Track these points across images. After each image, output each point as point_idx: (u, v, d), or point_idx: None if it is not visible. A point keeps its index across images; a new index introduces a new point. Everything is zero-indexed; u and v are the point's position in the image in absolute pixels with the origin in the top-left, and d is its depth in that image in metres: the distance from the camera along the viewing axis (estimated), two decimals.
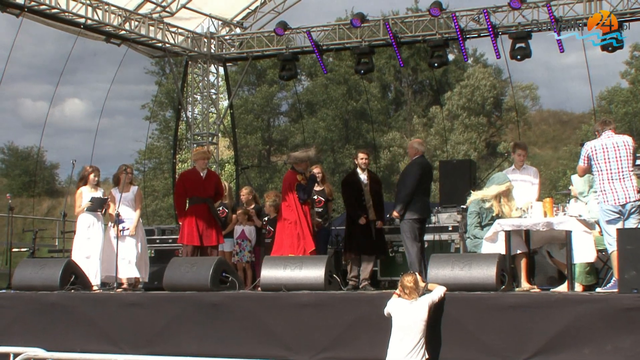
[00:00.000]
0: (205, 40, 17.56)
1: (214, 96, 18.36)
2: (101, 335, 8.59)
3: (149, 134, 31.48)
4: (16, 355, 8.08)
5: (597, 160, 7.91)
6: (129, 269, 10.41)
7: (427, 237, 10.99)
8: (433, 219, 12.33)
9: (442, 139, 32.53)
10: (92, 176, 10.62)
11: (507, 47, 14.97)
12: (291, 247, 9.89)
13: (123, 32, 15.79)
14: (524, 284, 8.42)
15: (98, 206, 10.44)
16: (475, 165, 15.64)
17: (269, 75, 34.76)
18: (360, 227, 10.31)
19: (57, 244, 16.33)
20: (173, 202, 19.08)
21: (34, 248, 12.58)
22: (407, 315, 7.05)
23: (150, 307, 8.60)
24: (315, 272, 8.23)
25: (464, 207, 9.75)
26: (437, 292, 7.28)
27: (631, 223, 7.73)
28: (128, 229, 10.45)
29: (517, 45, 14.69)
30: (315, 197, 11.04)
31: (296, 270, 8.31)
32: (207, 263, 8.72)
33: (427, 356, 7.04)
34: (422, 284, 7.43)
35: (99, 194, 10.58)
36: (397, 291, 7.29)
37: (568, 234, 8.08)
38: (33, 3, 14.03)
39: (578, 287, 8.22)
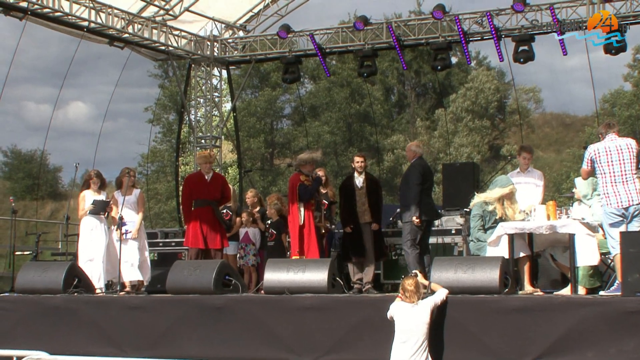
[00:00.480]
0: (209, 43, 17.57)
1: (217, 99, 18.38)
2: (104, 338, 8.59)
3: (152, 137, 31.60)
4: (19, 358, 8.11)
5: (601, 163, 7.90)
6: (132, 272, 10.43)
7: (430, 240, 10.96)
8: (436, 222, 12.28)
9: (446, 142, 32.53)
10: (92, 183, 10.61)
11: (510, 50, 14.99)
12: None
13: (126, 35, 15.82)
14: (527, 287, 8.40)
15: (100, 209, 10.45)
16: (479, 168, 15.59)
17: (272, 79, 34.80)
18: (350, 233, 10.37)
19: (60, 247, 16.31)
20: (178, 206, 19.19)
21: (37, 251, 12.61)
22: (409, 318, 7.05)
23: (153, 310, 8.60)
24: (318, 275, 8.24)
25: (467, 210, 9.74)
26: (440, 294, 7.28)
27: (634, 226, 7.71)
28: (130, 232, 10.47)
29: (520, 48, 14.69)
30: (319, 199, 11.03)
31: (299, 273, 8.31)
32: (210, 266, 8.73)
33: (430, 359, 7.03)
34: (424, 283, 7.45)
35: (102, 197, 10.59)
36: (399, 294, 7.29)
37: (571, 236, 8.05)
38: (36, 6, 14.07)
39: (581, 290, 8.20)
